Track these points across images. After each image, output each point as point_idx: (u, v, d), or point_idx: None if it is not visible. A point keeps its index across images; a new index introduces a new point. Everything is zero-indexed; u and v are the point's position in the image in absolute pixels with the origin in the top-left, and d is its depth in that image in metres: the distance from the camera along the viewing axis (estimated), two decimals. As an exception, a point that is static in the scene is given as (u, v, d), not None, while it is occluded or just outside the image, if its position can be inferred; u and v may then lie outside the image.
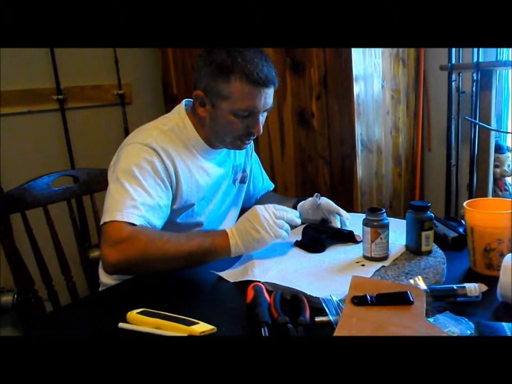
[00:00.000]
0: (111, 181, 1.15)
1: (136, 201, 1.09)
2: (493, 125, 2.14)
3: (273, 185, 1.59)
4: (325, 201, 1.29)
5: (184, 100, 1.29)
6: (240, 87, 1.13)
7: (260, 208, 1.10)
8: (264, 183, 1.55)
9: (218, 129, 1.21)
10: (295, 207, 1.37)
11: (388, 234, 1.08)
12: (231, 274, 1.07)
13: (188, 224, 1.27)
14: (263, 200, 1.52)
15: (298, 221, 1.15)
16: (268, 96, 1.17)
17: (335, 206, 1.28)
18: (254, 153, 1.50)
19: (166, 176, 1.17)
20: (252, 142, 1.44)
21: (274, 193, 1.59)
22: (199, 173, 1.25)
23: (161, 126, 1.23)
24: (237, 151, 1.37)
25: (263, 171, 1.56)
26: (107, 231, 1.06)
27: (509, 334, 0.72)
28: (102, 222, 1.08)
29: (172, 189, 1.19)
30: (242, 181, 1.42)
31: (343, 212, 1.27)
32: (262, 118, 1.21)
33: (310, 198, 1.33)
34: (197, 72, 1.18)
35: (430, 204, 1.09)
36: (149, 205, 1.11)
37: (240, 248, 1.08)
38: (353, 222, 1.26)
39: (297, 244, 1.20)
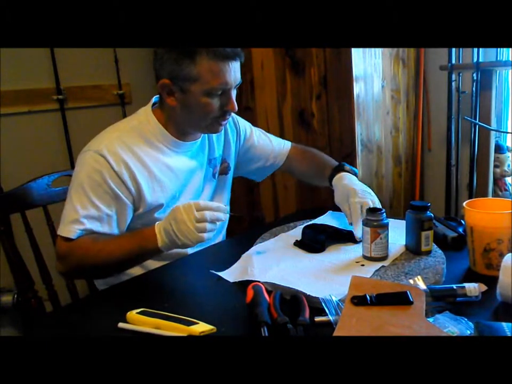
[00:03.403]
0: (68, 189, 1.19)
1: (79, 214, 1.12)
2: (493, 125, 2.14)
3: (290, 142, 1.54)
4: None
5: (154, 97, 1.27)
6: (208, 65, 1.10)
7: (179, 212, 1.02)
8: (276, 145, 1.50)
9: (192, 115, 1.18)
10: (330, 180, 1.33)
11: (387, 234, 1.08)
12: (231, 274, 1.07)
13: None
14: (298, 163, 1.50)
15: (224, 217, 1.07)
16: (237, 70, 1.15)
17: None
18: (245, 129, 1.45)
19: (116, 184, 1.14)
20: (237, 119, 1.42)
21: (305, 151, 1.53)
22: (162, 171, 1.22)
23: (123, 126, 1.22)
24: (214, 144, 1.35)
25: (269, 136, 1.50)
26: (55, 244, 1.17)
27: (508, 334, 0.72)
28: (57, 233, 1.15)
29: (131, 194, 1.17)
30: (223, 172, 1.39)
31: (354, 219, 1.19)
32: (233, 95, 1.18)
33: (345, 184, 1.27)
34: (158, 60, 1.15)
35: (429, 204, 1.09)
36: (94, 217, 1.13)
37: (171, 247, 1.06)
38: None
39: (297, 244, 1.20)
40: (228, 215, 1.11)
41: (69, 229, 1.12)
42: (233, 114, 1.40)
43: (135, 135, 1.20)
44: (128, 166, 1.16)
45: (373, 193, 1.24)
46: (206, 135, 1.33)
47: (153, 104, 1.27)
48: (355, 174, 1.34)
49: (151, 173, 1.20)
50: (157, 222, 1.08)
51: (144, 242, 1.07)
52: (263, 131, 1.52)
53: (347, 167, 1.35)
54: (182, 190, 1.27)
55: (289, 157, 1.52)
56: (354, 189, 1.23)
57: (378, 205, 1.20)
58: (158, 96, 1.25)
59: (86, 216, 1.12)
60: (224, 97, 1.16)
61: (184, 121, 1.21)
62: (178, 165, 1.25)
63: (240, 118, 1.48)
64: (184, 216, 1.01)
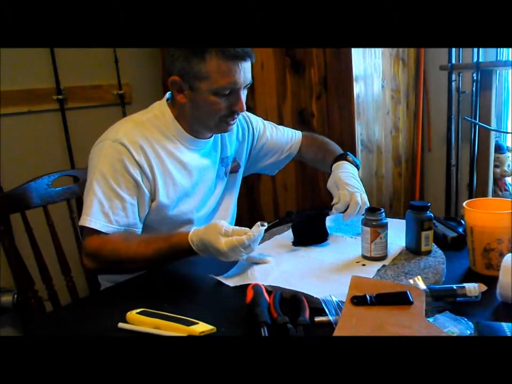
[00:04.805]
0: (87, 179, 1.17)
1: (104, 206, 1.12)
2: (493, 125, 2.14)
3: (301, 132, 1.55)
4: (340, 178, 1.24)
5: (168, 93, 1.27)
6: (217, 64, 1.10)
7: (226, 254, 1.00)
8: (288, 137, 1.50)
9: (200, 113, 1.18)
10: (330, 166, 1.33)
11: (387, 234, 1.08)
12: (230, 279, 1.05)
13: (177, 221, 1.25)
14: (307, 152, 1.50)
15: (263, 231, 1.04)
16: (247, 70, 1.14)
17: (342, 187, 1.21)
18: (255, 126, 1.44)
19: (137, 172, 1.15)
20: (248, 116, 1.42)
21: (313, 140, 1.52)
22: (175, 167, 1.22)
23: (138, 117, 1.22)
24: (227, 143, 1.35)
25: (280, 128, 1.50)
26: (83, 239, 1.16)
27: (508, 334, 0.72)
28: (79, 224, 1.14)
29: (149, 183, 1.17)
30: (233, 171, 1.39)
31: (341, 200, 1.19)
32: (243, 96, 1.17)
33: (339, 173, 1.27)
34: (169, 57, 1.15)
35: (429, 204, 1.09)
36: (119, 207, 1.13)
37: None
38: (352, 222, 1.27)
39: (296, 243, 1.20)
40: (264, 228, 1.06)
41: (96, 221, 1.11)
42: (245, 112, 1.40)
43: (151, 126, 1.20)
44: (147, 154, 1.16)
45: (362, 189, 1.23)
46: (219, 134, 1.33)
47: (167, 100, 1.27)
48: (357, 166, 1.32)
49: (165, 166, 1.20)
50: (191, 237, 1.04)
51: (186, 255, 1.07)
52: (274, 124, 1.52)
53: (350, 157, 1.33)
54: (195, 188, 1.27)
55: (300, 146, 1.52)
56: (344, 182, 1.23)
57: (366, 200, 1.20)
58: (170, 92, 1.25)
59: (111, 207, 1.12)
60: (232, 97, 1.15)
61: (193, 119, 1.21)
62: (191, 161, 1.25)
63: (252, 115, 1.47)
64: (234, 257, 1.02)
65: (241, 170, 1.43)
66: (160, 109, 1.23)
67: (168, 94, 1.26)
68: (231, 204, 1.41)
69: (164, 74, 2.41)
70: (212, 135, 1.29)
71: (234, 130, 1.38)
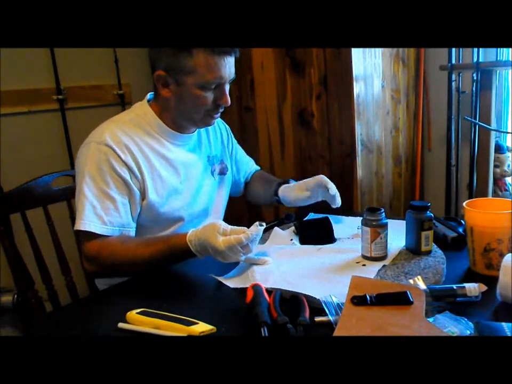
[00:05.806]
0: (76, 183, 1.18)
1: (96, 208, 1.13)
2: (493, 125, 2.14)
3: (259, 167, 1.60)
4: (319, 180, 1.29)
5: (149, 94, 1.29)
6: (204, 59, 1.12)
7: (227, 254, 1.02)
8: (251, 165, 1.56)
9: (185, 107, 1.20)
10: (276, 191, 1.37)
11: (387, 234, 1.08)
12: (231, 280, 1.04)
13: (169, 219, 1.25)
14: (254, 182, 1.54)
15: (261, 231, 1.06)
16: (232, 65, 1.17)
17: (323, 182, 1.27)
18: (233, 138, 1.50)
19: (124, 171, 1.16)
20: (228, 127, 1.46)
21: (262, 173, 1.58)
22: (162, 164, 1.23)
23: (121, 118, 1.24)
24: (212, 142, 1.37)
25: (245, 154, 1.56)
26: (81, 243, 1.17)
27: (508, 334, 0.72)
28: (74, 228, 1.16)
29: (138, 181, 1.18)
30: (222, 173, 1.40)
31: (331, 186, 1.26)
32: (227, 90, 1.20)
33: (293, 184, 1.34)
34: (154, 52, 1.16)
35: (429, 204, 1.09)
36: (111, 208, 1.14)
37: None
38: (351, 224, 1.26)
39: (305, 240, 1.21)
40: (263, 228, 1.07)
41: (90, 224, 1.12)
42: (225, 124, 1.45)
43: (134, 126, 1.22)
44: (133, 153, 1.18)
45: None
46: (204, 132, 1.35)
47: (148, 101, 1.28)
48: None
49: (151, 164, 1.21)
50: (189, 238, 1.05)
51: (184, 256, 1.09)
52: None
53: (292, 182, 1.39)
54: (183, 184, 1.27)
55: (252, 177, 1.56)
56: (306, 180, 1.29)
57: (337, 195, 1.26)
58: (151, 93, 1.28)
59: (103, 208, 1.13)
60: (218, 91, 1.18)
61: (178, 113, 1.22)
62: (176, 158, 1.26)
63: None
64: (232, 257, 1.03)
65: (229, 174, 1.44)
66: (142, 108, 1.25)
67: (149, 95, 1.29)
68: (220, 206, 1.42)
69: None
70: (195, 130, 1.31)
71: (218, 133, 1.42)
